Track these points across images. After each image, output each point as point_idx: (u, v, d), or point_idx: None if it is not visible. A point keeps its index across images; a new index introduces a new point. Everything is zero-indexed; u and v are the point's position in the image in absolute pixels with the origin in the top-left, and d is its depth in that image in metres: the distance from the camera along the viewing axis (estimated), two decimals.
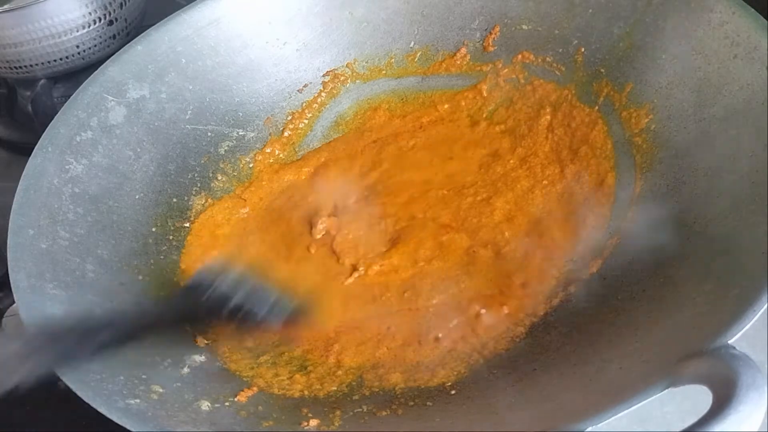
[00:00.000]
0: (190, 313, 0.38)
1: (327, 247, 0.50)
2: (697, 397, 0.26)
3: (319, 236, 0.51)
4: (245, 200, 0.55)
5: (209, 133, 0.55)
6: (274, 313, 0.39)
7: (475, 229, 0.48)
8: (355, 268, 0.48)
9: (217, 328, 0.39)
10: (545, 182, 0.49)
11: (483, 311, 0.43)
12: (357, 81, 0.60)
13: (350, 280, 0.47)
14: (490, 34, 0.56)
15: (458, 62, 0.58)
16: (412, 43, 0.59)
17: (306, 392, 0.41)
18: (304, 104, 0.59)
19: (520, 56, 0.55)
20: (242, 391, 0.40)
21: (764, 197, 0.34)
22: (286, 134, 0.58)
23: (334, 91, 0.59)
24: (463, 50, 0.57)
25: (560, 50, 0.53)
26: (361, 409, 0.39)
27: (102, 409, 0.33)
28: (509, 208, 0.49)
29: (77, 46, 0.64)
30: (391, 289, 0.46)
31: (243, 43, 0.57)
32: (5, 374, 0.30)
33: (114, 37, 0.66)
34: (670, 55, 0.45)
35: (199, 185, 0.53)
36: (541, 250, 0.45)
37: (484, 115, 0.56)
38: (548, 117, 0.52)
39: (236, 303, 0.38)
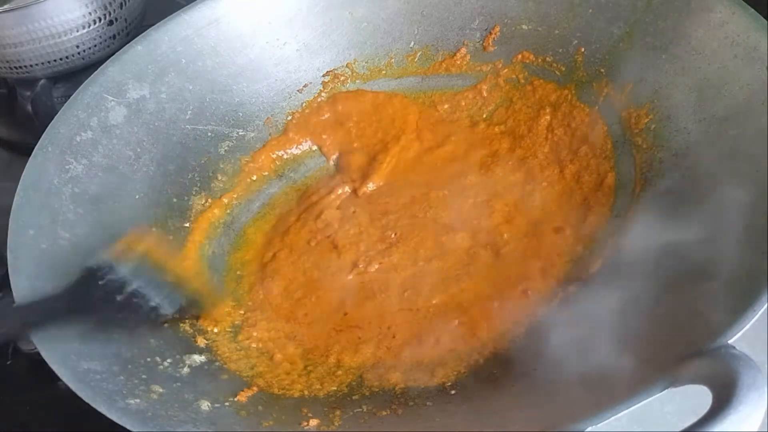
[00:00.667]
0: (83, 299, 0.38)
1: (327, 242, 0.50)
2: (697, 397, 0.26)
3: (322, 225, 0.51)
4: None
5: (209, 133, 0.55)
6: (168, 302, 0.40)
7: (475, 229, 0.48)
8: (355, 265, 0.48)
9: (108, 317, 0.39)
10: (545, 183, 0.49)
11: (483, 311, 0.43)
12: (357, 81, 0.59)
13: (350, 276, 0.47)
14: (490, 34, 0.56)
15: (458, 62, 0.58)
16: (412, 43, 0.59)
17: (306, 392, 0.41)
18: (304, 104, 0.59)
19: (520, 56, 0.55)
20: (242, 391, 0.40)
21: (764, 197, 0.34)
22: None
23: (334, 92, 0.59)
24: (463, 50, 0.57)
25: (560, 50, 0.53)
26: (361, 409, 0.39)
27: (102, 409, 0.33)
28: (509, 209, 0.49)
29: (77, 46, 0.64)
30: (391, 288, 0.46)
31: (243, 43, 0.57)
32: None
33: (114, 37, 0.66)
34: (670, 55, 0.45)
35: (199, 185, 0.53)
36: (541, 250, 0.45)
37: (484, 116, 0.56)
38: (548, 117, 0.52)
39: (132, 290, 0.38)
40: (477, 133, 0.55)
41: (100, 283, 0.38)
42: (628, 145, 0.47)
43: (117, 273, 0.38)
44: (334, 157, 0.57)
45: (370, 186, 0.53)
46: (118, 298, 0.38)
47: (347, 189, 0.54)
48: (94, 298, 0.38)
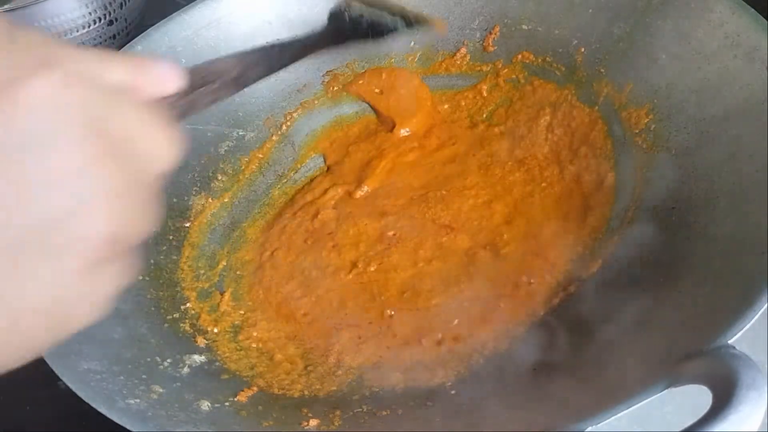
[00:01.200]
0: (340, 33, 0.44)
1: (326, 242, 0.50)
2: (697, 397, 0.26)
3: (319, 225, 0.51)
4: None
5: (209, 133, 0.55)
6: (398, 22, 0.44)
7: (474, 230, 0.48)
8: (354, 265, 0.48)
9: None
10: (544, 184, 0.49)
11: (483, 311, 0.43)
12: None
13: (350, 276, 0.47)
14: (490, 34, 0.56)
15: (458, 62, 0.58)
16: (412, 43, 0.59)
17: (306, 392, 0.41)
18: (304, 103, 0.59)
19: (520, 56, 0.55)
20: (242, 391, 0.40)
21: (764, 197, 0.34)
22: None
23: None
24: (463, 50, 0.57)
25: (560, 50, 0.53)
26: (361, 409, 0.39)
27: (102, 409, 0.33)
28: (508, 210, 0.48)
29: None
30: (391, 288, 0.46)
31: (243, 44, 0.56)
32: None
33: (114, 37, 0.66)
34: (670, 55, 0.45)
35: (199, 185, 0.53)
36: (541, 251, 0.45)
37: (484, 116, 0.56)
38: (548, 117, 0.52)
39: (368, 19, 0.44)
40: (476, 135, 0.55)
41: (345, 19, 0.44)
42: (628, 145, 0.47)
43: (353, 11, 0.44)
44: (331, 159, 0.57)
45: (365, 189, 0.53)
46: (364, 25, 0.44)
47: (339, 191, 0.54)
48: (345, 29, 0.43)
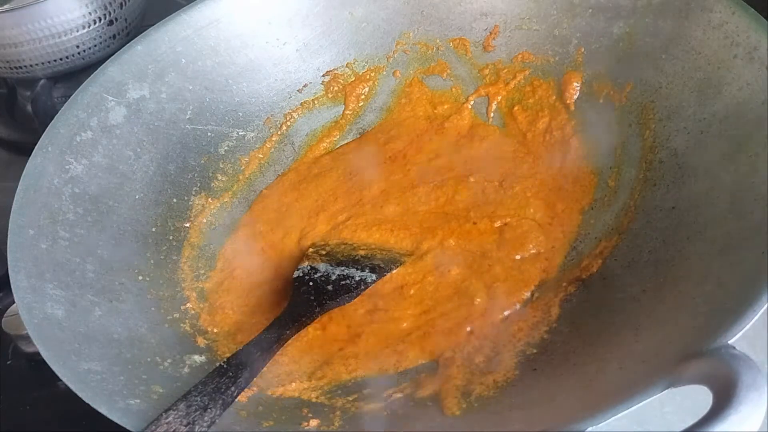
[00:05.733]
0: (303, 306, 0.42)
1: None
2: (697, 397, 0.26)
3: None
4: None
5: (209, 133, 0.55)
6: (368, 270, 0.45)
7: (474, 233, 0.48)
8: None
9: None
10: (544, 186, 0.49)
11: (483, 313, 0.43)
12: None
13: None
14: (490, 34, 0.56)
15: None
16: (413, 43, 0.59)
17: (306, 392, 0.41)
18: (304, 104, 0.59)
19: (520, 56, 0.55)
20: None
21: (764, 197, 0.34)
22: None
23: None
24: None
25: (560, 50, 0.53)
26: (361, 410, 0.39)
27: (102, 409, 0.33)
28: (509, 213, 0.48)
29: (77, 46, 0.64)
30: (389, 290, 0.46)
31: (243, 43, 0.57)
32: None
33: (114, 37, 0.66)
34: (670, 55, 0.45)
35: (199, 185, 0.53)
36: (541, 252, 0.45)
37: (484, 116, 0.56)
38: (547, 119, 0.52)
39: (336, 276, 0.44)
40: (476, 136, 0.55)
41: (310, 285, 0.44)
42: (628, 145, 0.47)
43: (319, 271, 0.44)
44: None
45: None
46: (329, 287, 0.43)
47: None
48: (308, 299, 0.43)
